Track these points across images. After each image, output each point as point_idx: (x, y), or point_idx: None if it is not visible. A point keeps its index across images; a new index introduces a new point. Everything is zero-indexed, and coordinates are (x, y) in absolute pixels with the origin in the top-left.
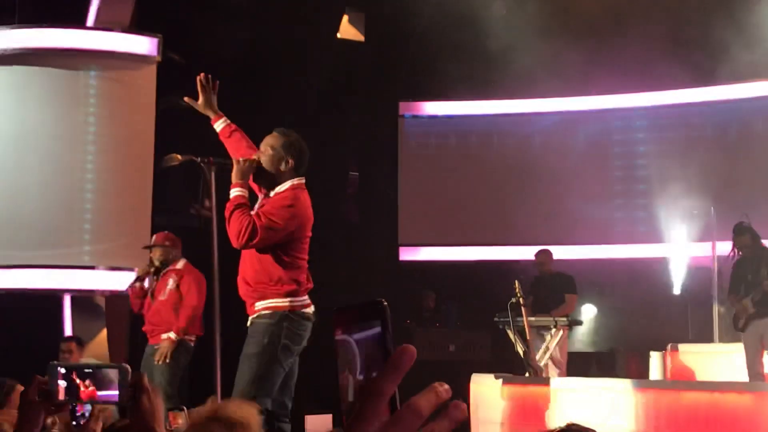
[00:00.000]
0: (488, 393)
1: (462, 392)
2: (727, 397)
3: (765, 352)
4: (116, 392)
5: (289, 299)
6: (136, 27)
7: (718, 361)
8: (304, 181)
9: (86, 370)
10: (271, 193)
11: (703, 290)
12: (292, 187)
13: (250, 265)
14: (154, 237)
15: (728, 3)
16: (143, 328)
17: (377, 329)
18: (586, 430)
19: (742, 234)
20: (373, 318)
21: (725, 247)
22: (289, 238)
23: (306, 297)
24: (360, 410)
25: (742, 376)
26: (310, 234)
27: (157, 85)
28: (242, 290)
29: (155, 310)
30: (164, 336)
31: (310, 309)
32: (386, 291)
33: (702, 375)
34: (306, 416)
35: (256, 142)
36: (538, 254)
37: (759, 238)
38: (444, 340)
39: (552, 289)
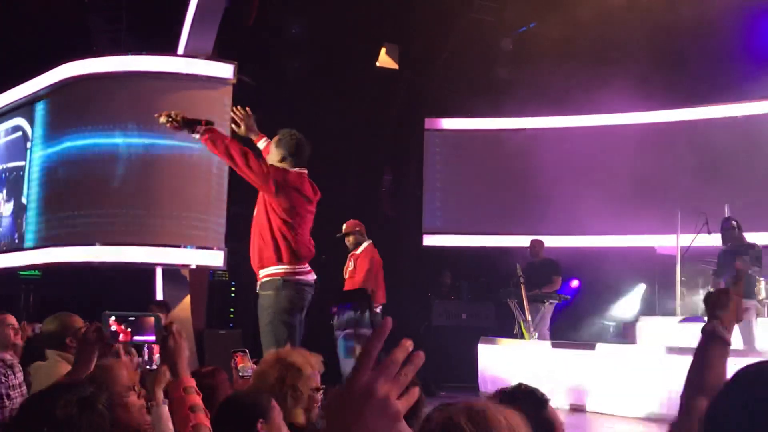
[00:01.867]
0: (493, 352)
1: (472, 351)
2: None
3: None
4: (153, 335)
5: (285, 268)
6: (217, 55)
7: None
8: (306, 171)
9: (130, 318)
10: None
11: (668, 273)
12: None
13: (257, 238)
14: (345, 225)
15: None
16: None
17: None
18: (531, 389)
19: (730, 227)
20: (362, 301)
21: (686, 240)
22: (286, 206)
23: (305, 265)
24: (355, 366)
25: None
26: (312, 211)
27: (233, 102)
28: (252, 261)
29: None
30: None
31: (309, 276)
32: (412, 270)
33: (667, 342)
34: None
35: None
36: (532, 242)
37: (742, 233)
38: (458, 310)
39: (542, 271)
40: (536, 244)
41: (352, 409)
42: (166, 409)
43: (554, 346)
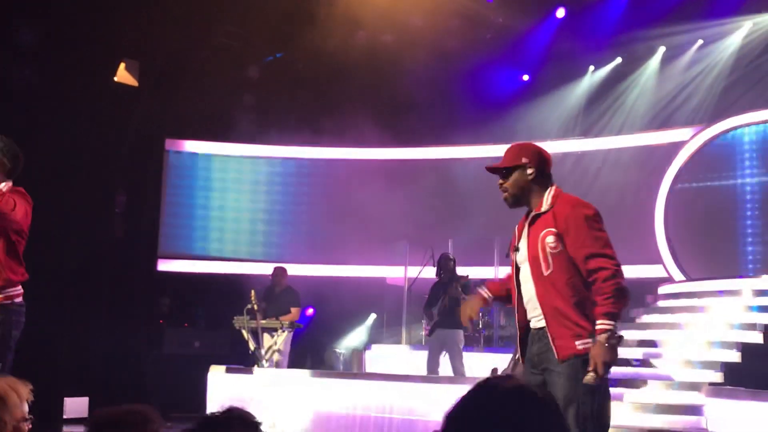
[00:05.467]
0: (223, 380)
1: (203, 379)
2: (407, 386)
3: (443, 354)
4: None
5: (4, 292)
6: None
7: (408, 357)
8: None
9: None
10: None
11: (396, 303)
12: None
13: None
14: None
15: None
16: None
17: None
18: (243, 412)
19: (448, 261)
20: None
21: (413, 272)
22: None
23: (19, 287)
24: None
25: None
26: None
27: None
28: None
29: None
30: None
31: (20, 298)
32: (144, 295)
33: (392, 369)
34: (65, 398)
35: (31, 167)
36: (275, 270)
37: (455, 266)
38: (190, 338)
39: (281, 300)
40: (279, 272)
41: None
42: None
43: (284, 374)
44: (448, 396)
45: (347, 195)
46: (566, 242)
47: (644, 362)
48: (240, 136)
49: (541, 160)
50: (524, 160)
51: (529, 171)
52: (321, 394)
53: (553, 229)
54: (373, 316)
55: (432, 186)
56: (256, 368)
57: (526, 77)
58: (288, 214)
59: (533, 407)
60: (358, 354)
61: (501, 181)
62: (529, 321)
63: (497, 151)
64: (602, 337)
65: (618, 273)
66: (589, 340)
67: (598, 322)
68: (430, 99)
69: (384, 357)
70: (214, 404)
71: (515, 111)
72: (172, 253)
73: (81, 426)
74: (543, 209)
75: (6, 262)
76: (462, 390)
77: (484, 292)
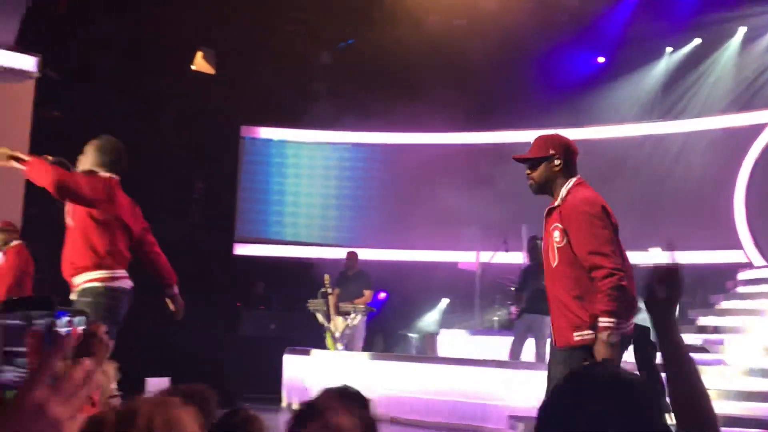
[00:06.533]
0: (299, 363)
1: (279, 362)
2: (481, 370)
3: (529, 339)
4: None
5: (102, 274)
6: (19, 46)
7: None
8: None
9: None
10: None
11: (468, 288)
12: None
13: (72, 246)
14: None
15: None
16: None
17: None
18: (352, 390)
19: (536, 248)
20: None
21: (486, 256)
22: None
23: (116, 272)
24: (29, 380)
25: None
26: (123, 220)
27: (35, 97)
28: (65, 270)
29: None
30: None
31: (121, 283)
32: (222, 279)
33: (464, 354)
34: (146, 379)
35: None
36: (348, 254)
37: None
38: (267, 320)
39: (354, 284)
40: (351, 256)
41: (21, 426)
42: None
43: (358, 357)
44: (521, 381)
45: (419, 180)
46: (569, 238)
47: (723, 349)
48: (313, 122)
49: (568, 153)
50: (552, 151)
51: (557, 162)
52: (393, 376)
53: (560, 225)
54: (445, 301)
55: (504, 171)
56: (330, 350)
57: (601, 59)
58: (359, 199)
59: (627, 396)
60: (430, 338)
61: (528, 171)
62: None
63: (572, 135)
64: (603, 335)
65: (614, 272)
66: (587, 332)
67: (599, 319)
68: (503, 83)
69: (456, 342)
70: (290, 387)
71: (591, 94)
72: (248, 238)
73: None
74: (556, 203)
75: (89, 251)
76: (534, 375)
77: None
